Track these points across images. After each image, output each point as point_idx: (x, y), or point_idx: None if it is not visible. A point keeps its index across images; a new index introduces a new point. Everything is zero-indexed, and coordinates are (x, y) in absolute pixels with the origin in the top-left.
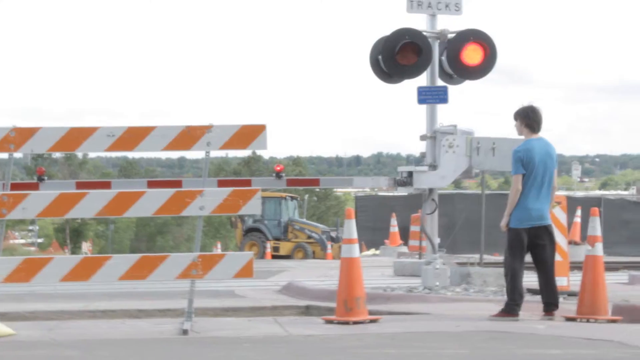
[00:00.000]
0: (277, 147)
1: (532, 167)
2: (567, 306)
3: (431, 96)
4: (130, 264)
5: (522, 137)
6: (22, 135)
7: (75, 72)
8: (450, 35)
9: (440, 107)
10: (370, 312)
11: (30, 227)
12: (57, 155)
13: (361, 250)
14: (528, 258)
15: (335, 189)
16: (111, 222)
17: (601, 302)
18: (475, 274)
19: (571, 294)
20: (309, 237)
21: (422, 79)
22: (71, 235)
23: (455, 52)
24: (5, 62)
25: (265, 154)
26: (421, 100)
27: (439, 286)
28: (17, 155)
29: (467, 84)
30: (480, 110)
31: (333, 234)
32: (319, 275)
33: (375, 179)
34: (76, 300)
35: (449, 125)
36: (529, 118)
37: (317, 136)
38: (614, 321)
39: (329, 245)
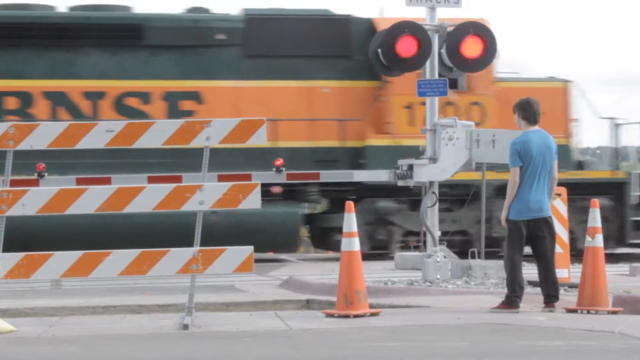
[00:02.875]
0: None
1: (529, 159)
2: (568, 298)
3: (431, 89)
4: (130, 259)
5: (521, 129)
6: (21, 131)
7: None
8: (450, 28)
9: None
10: (371, 306)
11: None
12: None
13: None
14: (529, 250)
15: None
16: None
17: (602, 293)
18: (476, 267)
19: (572, 286)
20: None
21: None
22: None
23: (455, 44)
24: None
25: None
26: (421, 93)
27: (439, 279)
28: None
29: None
30: None
31: None
32: (320, 269)
33: (376, 173)
34: (77, 297)
35: (449, 118)
36: (524, 110)
37: None
38: (614, 312)
39: None
